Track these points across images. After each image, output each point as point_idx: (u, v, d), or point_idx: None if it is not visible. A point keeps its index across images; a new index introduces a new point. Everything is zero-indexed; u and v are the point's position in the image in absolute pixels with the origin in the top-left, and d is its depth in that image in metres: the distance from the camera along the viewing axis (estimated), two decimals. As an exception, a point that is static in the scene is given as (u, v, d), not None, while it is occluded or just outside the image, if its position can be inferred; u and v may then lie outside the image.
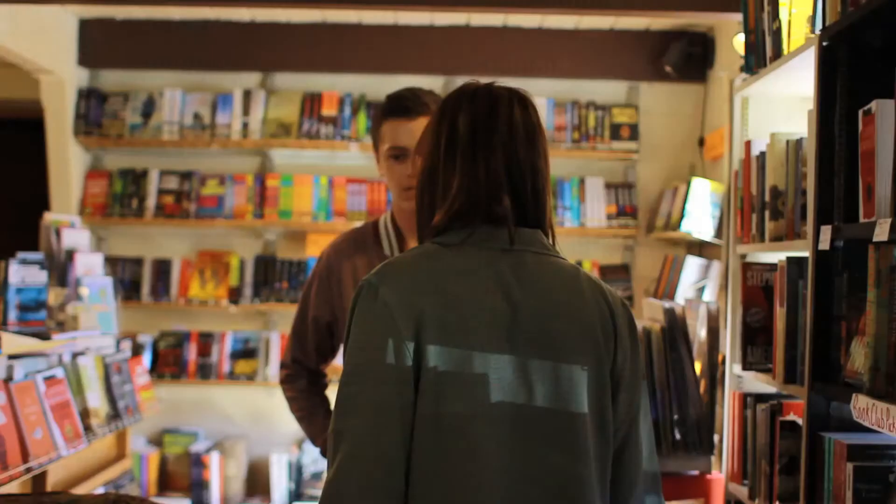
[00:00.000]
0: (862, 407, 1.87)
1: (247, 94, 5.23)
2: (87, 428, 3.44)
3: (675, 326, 2.76)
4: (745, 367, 2.75)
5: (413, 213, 1.96)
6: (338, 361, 1.97)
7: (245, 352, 5.23)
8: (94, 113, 5.23)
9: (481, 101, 1.55)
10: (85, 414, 3.47)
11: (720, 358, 2.97)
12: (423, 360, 1.43)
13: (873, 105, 1.89)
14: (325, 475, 1.50)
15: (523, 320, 1.48)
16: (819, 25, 2.30)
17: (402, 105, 2.30)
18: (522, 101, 1.57)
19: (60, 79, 5.08)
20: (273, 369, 5.13)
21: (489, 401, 1.44)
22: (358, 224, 2.63)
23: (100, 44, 5.23)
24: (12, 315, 3.20)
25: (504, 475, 1.43)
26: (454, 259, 1.50)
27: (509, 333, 1.47)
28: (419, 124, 2.25)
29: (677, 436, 2.74)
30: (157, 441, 5.32)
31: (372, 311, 1.46)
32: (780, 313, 2.51)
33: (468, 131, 1.53)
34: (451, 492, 1.42)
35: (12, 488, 2.95)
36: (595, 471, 1.50)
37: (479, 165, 1.51)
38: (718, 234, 4.55)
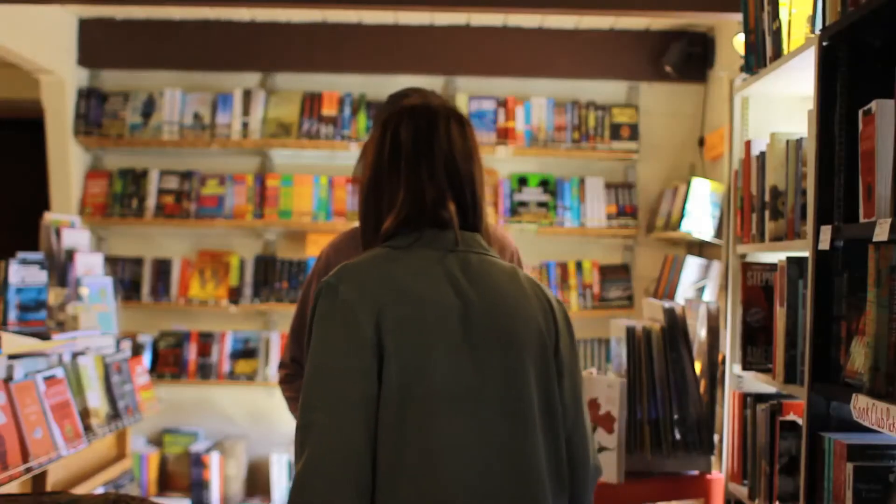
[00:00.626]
0: (862, 407, 1.87)
1: (247, 94, 5.23)
2: (87, 428, 3.44)
3: (675, 326, 2.76)
4: (745, 367, 2.75)
5: None
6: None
7: (245, 352, 5.23)
8: (94, 113, 5.23)
9: (421, 115, 1.67)
10: (85, 414, 3.47)
11: (720, 358, 2.97)
12: (385, 354, 1.52)
13: (873, 105, 1.89)
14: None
15: (474, 313, 1.58)
16: (819, 25, 2.30)
17: None
18: (458, 117, 1.69)
19: (60, 79, 5.08)
20: (273, 369, 5.13)
21: (448, 389, 1.53)
22: (357, 224, 2.62)
23: (100, 44, 5.23)
24: (12, 315, 3.20)
25: (465, 456, 1.52)
26: (406, 259, 1.60)
27: (462, 325, 1.57)
28: None
29: (677, 436, 2.74)
30: (157, 441, 5.32)
31: (334, 310, 1.55)
32: (780, 313, 2.51)
33: (411, 143, 1.64)
34: (417, 476, 1.50)
35: (12, 488, 2.95)
36: (545, 450, 1.60)
37: (424, 174, 1.63)
38: (718, 234, 4.55)
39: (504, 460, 1.55)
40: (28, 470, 2.92)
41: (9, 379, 3.08)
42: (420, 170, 1.63)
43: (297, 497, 1.47)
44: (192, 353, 5.20)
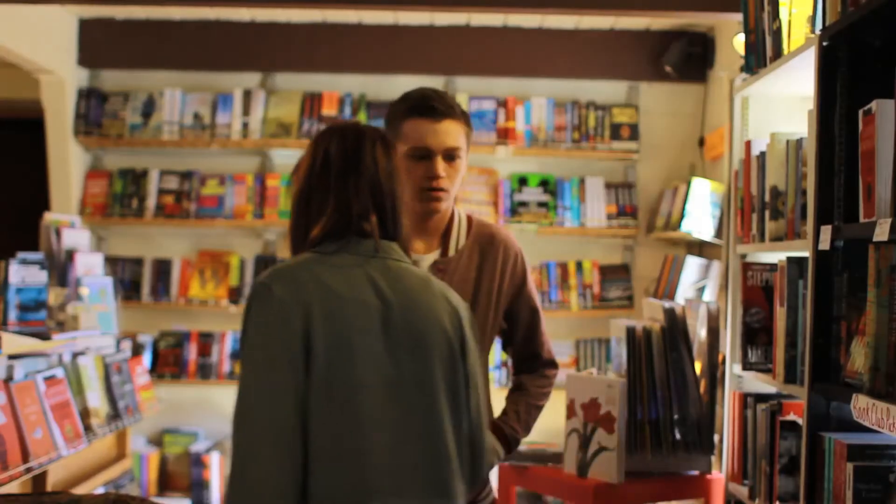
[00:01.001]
0: (862, 407, 1.87)
1: (247, 94, 5.23)
2: (87, 428, 3.44)
3: (675, 326, 2.76)
4: (745, 367, 2.75)
5: (427, 214, 2.26)
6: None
7: (245, 352, 5.22)
8: (94, 113, 5.23)
9: (350, 135, 1.85)
10: (85, 414, 3.47)
11: (720, 358, 2.97)
12: (313, 347, 1.69)
13: (873, 105, 1.89)
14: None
15: (392, 312, 1.76)
16: (819, 25, 2.30)
17: (428, 105, 2.26)
18: (383, 139, 1.88)
19: (60, 79, 5.08)
20: (273, 369, 5.13)
21: (369, 377, 1.72)
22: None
23: (100, 44, 5.23)
24: (12, 315, 3.20)
25: (386, 442, 1.71)
26: (332, 263, 1.78)
27: (382, 323, 1.75)
28: (444, 126, 2.25)
29: (677, 436, 2.74)
30: (157, 441, 5.31)
31: (267, 308, 1.71)
32: (780, 313, 2.51)
33: (340, 160, 1.82)
34: (344, 458, 1.68)
35: (12, 488, 2.95)
36: (453, 441, 1.78)
37: (350, 188, 1.81)
38: (718, 234, 4.55)
39: (420, 446, 1.75)
40: (28, 470, 2.92)
41: (9, 379, 3.09)
42: (347, 185, 1.80)
43: (236, 478, 1.65)
44: (192, 353, 5.20)
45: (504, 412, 2.43)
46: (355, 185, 1.81)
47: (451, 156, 2.27)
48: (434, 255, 2.34)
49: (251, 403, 1.67)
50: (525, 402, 2.44)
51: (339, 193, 1.81)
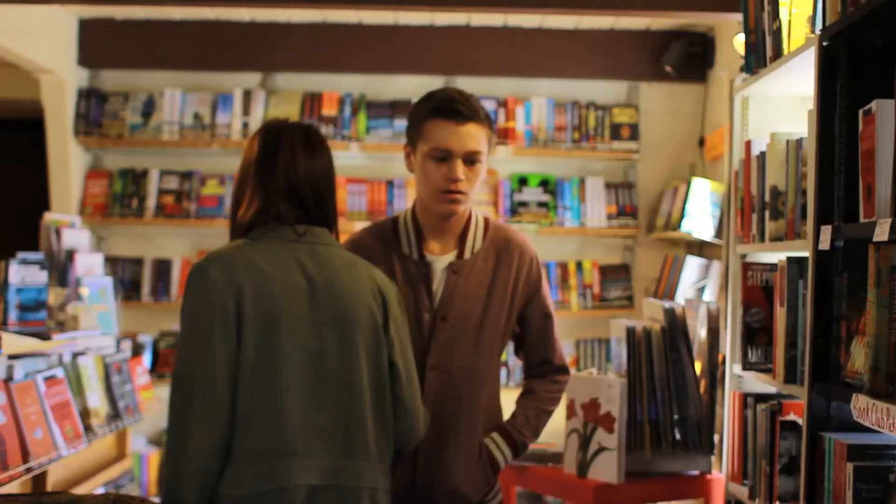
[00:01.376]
0: (862, 407, 1.87)
1: (247, 94, 5.23)
2: (88, 428, 3.44)
3: (675, 326, 2.76)
4: (745, 367, 2.75)
5: (444, 215, 2.31)
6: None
7: (245, 352, 5.22)
8: (94, 113, 5.23)
9: (271, 132, 2.05)
10: (85, 414, 3.47)
11: (720, 358, 2.97)
12: (244, 323, 1.89)
13: (873, 105, 1.90)
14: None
15: (318, 291, 1.96)
16: (819, 25, 2.30)
17: (453, 108, 2.25)
18: (307, 135, 2.07)
19: (60, 79, 5.08)
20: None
21: (293, 350, 1.91)
22: (361, 225, 2.62)
23: (100, 44, 5.23)
24: (12, 315, 3.20)
25: (301, 402, 1.90)
26: (261, 247, 1.97)
27: (308, 301, 1.94)
28: (467, 129, 2.25)
29: (677, 436, 2.75)
30: (157, 441, 5.31)
31: (203, 287, 1.91)
32: (780, 313, 2.51)
33: (260, 154, 2.03)
34: (265, 422, 1.88)
35: (12, 488, 2.95)
36: (371, 407, 1.97)
37: (268, 181, 2.01)
38: (718, 234, 4.55)
39: (336, 413, 1.93)
40: (28, 470, 2.92)
41: (9, 379, 3.09)
42: (265, 177, 2.00)
43: (172, 445, 1.85)
44: (192, 353, 5.19)
45: (513, 415, 2.43)
46: (272, 178, 2.00)
47: (471, 159, 2.27)
48: (450, 257, 2.34)
49: (184, 371, 1.88)
50: (535, 406, 2.43)
51: (259, 185, 2.00)
